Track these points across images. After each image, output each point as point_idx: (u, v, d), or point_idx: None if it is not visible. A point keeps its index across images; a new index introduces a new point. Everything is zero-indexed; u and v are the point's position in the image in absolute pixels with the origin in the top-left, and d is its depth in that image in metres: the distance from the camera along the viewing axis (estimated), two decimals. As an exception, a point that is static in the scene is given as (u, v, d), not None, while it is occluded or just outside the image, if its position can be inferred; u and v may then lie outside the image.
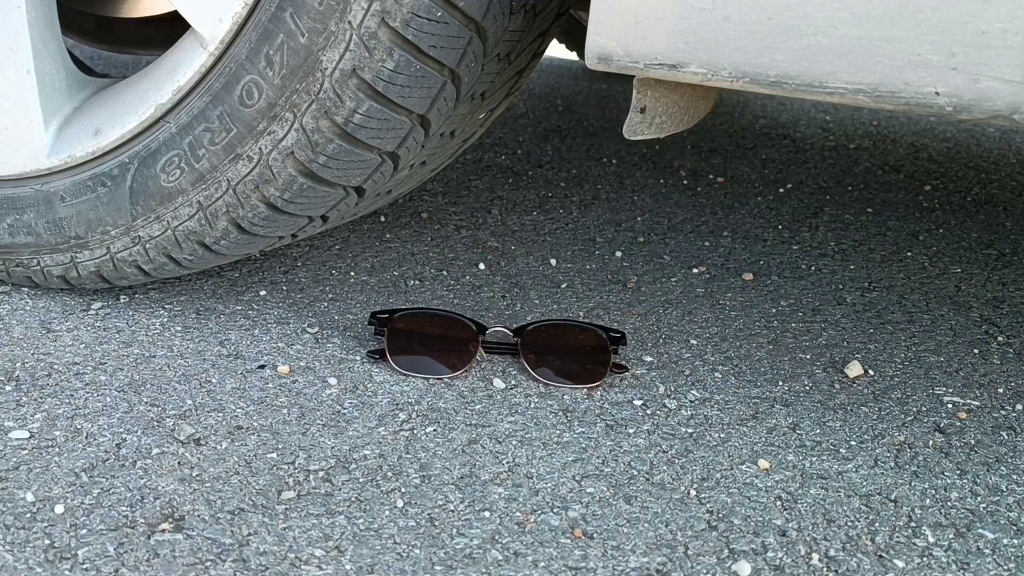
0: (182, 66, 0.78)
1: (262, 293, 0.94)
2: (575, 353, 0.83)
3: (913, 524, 0.67)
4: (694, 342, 0.91)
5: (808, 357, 0.90)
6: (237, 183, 0.78)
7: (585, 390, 0.81)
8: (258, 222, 0.80)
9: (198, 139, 0.78)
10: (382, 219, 1.16)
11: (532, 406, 0.78)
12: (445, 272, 1.03)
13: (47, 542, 0.58)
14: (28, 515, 0.60)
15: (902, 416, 0.81)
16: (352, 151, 0.76)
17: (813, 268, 1.12)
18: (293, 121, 0.74)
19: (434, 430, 0.74)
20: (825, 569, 0.62)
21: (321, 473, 0.67)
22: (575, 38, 2.13)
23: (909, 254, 1.19)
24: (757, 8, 0.60)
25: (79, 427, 0.70)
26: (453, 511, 0.64)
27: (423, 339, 0.83)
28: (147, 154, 0.80)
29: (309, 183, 0.77)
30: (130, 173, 0.81)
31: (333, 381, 0.79)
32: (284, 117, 0.74)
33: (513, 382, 0.81)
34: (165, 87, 0.78)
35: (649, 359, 0.87)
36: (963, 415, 0.82)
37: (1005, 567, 0.63)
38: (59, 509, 0.61)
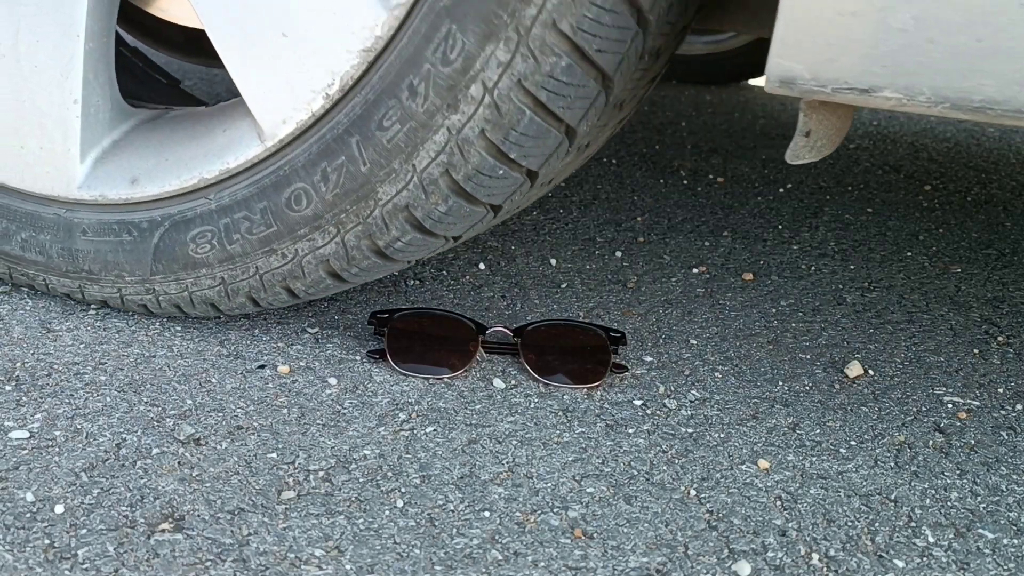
0: (234, 148, 0.77)
1: (262, 293, 0.94)
2: (575, 353, 0.83)
3: (913, 524, 0.67)
4: (694, 342, 0.91)
5: (808, 357, 0.90)
6: (265, 272, 0.79)
7: (585, 390, 0.81)
8: (276, 303, 0.82)
9: (235, 224, 0.77)
10: (382, 219, 1.16)
11: (532, 406, 0.78)
12: (445, 272, 1.03)
13: (47, 542, 0.58)
14: (28, 515, 0.60)
15: (902, 416, 0.81)
16: (385, 265, 0.78)
17: (813, 268, 1.12)
18: (336, 235, 0.75)
19: (434, 430, 0.74)
20: (825, 569, 0.62)
21: (321, 473, 0.67)
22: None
23: (909, 254, 1.19)
24: (967, 29, 0.56)
25: (79, 427, 0.70)
26: (453, 511, 0.64)
27: (423, 339, 0.83)
28: (180, 219, 0.79)
29: (335, 283, 0.79)
30: (159, 232, 0.80)
31: (333, 381, 0.79)
32: (328, 230, 0.75)
33: (513, 382, 0.81)
34: (213, 163, 0.77)
35: (649, 359, 0.87)
36: (963, 415, 0.82)
37: (1005, 567, 0.63)
38: (59, 509, 0.61)
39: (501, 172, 0.71)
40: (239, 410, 0.74)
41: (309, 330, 0.88)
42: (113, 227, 0.81)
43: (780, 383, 0.85)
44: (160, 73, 1.13)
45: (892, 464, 0.74)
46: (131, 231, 0.81)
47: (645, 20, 0.67)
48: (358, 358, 0.83)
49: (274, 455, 0.69)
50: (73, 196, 0.82)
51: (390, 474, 0.68)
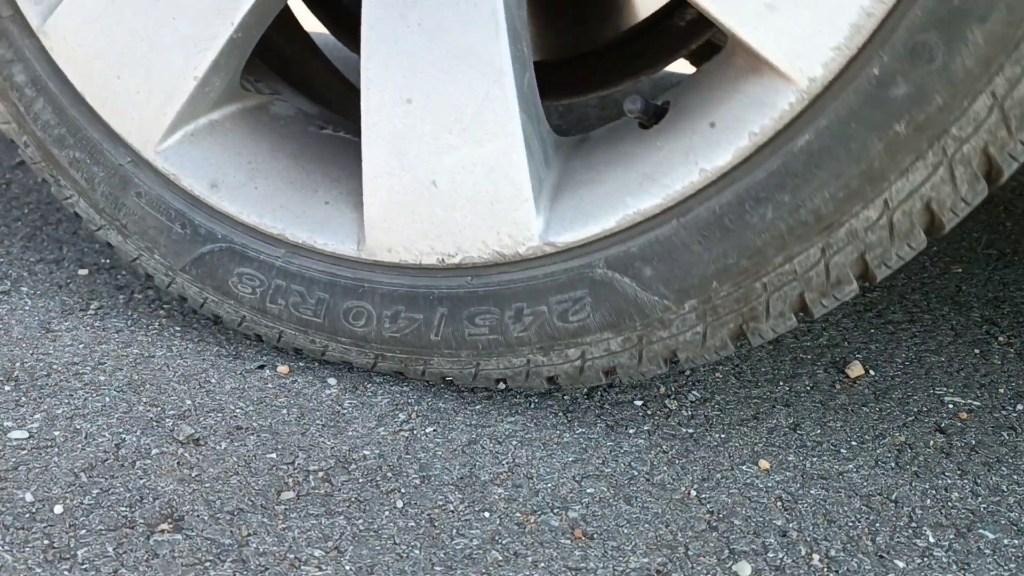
0: (328, 232, 0.75)
1: (262, 293, 0.94)
2: None
3: (914, 524, 0.67)
4: (694, 342, 0.91)
5: (809, 357, 0.90)
6: (286, 338, 0.80)
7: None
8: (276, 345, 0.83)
9: (286, 291, 0.77)
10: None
11: (532, 406, 0.78)
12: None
13: (46, 542, 0.58)
14: (27, 515, 0.60)
15: (903, 416, 0.81)
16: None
17: (813, 268, 1.12)
18: (371, 359, 0.78)
19: (434, 430, 0.73)
20: (826, 569, 0.62)
21: (321, 473, 0.67)
22: None
23: (909, 254, 1.19)
24: None
25: (78, 427, 0.70)
26: (453, 511, 0.64)
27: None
28: (239, 251, 0.77)
29: (344, 362, 0.82)
30: (212, 246, 0.78)
31: (333, 381, 0.79)
32: (367, 352, 0.78)
33: (513, 382, 0.81)
34: (303, 230, 0.75)
35: (649, 359, 0.87)
36: (964, 415, 0.81)
37: (1006, 567, 0.63)
38: (58, 509, 0.61)
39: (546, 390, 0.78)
40: (238, 410, 0.74)
41: (309, 330, 0.87)
42: (170, 211, 0.78)
43: (781, 383, 0.85)
44: None
45: (893, 464, 0.74)
46: (185, 226, 0.78)
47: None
48: (358, 358, 0.83)
49: (273, 455, 0.69)
50: (146, 155, 0.78)
51: (390, 474, 0.68)
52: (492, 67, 0.67)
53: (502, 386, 0.76)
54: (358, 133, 0.73)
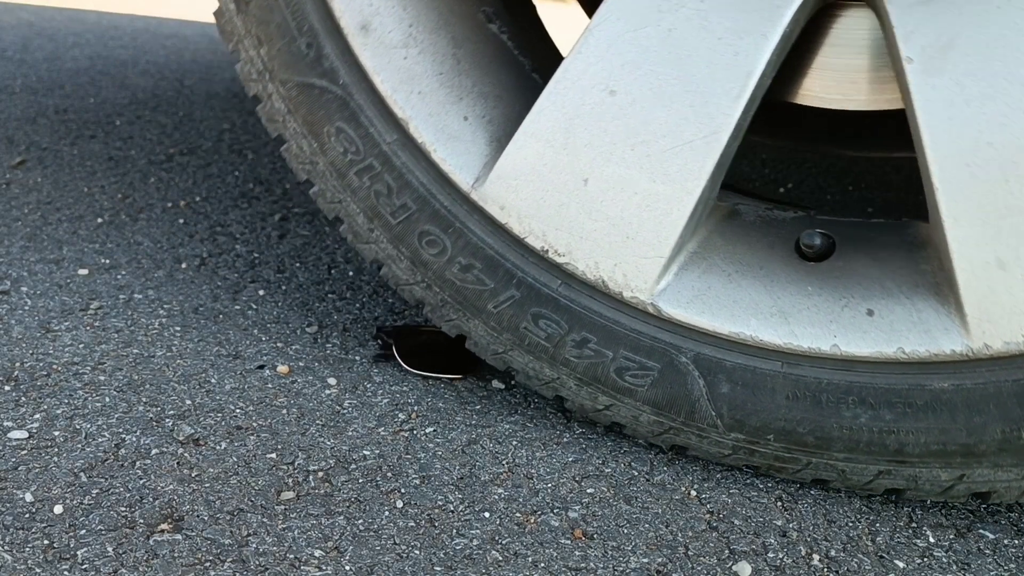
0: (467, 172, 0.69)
1: (260, 293, 0.94)
2: None
3: (914, 524, 0.67)
4: (694, 342, 0.91)
5: (808, 357, 0.90)
6: (355, 196, 0.73)
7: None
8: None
9: (375, 180, 0.70)
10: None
11: (532, 406, 0.78)
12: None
13: (46, 542, 0.58)
14: (27, 515, 0.60)
15: (902, 416, 0.81)
16: None
17: (813, 268, 1.12)
18: (422, 290, 0.74)
19: (434, 430, 0.73)
20: (826, 570, 0.62)
21: (320, 473, 0.67)
22: None
23: (909, 254, 1.19)
24: None
25: (78, 427, 0.70)
26: (453, 512, 0.64)
27: (430, 344, 0.83)
28: (352, 111, 0.69)
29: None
30: (326, 94, 0.69)
31: (332, 381, 0.79)
32: (427, 287, 0.73)
33: (512, 382, 0.81)
34: (432, 140, 0.69)
35: (649, 359, 0.87)
36: (964, 415, 0.81)
37: (1006, 567, 0.63)
38: (58, 509, 0.61)
39: None
40: (238, 410, 0.74)
41: (308, 330, 0.87)
42: (304, 23, 0.70)
43: (780, 383, 0.85)
44: None
45: (893, 464, 0.74)
46: (311, 48, 0.69)
47: None
48: (358, 358, 0.83)
49: (273, 455, 0.69)
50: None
51: (390, 474, 0.68)
52: (712, 121, 0.62)
53: (509, 381, 0.76)
54: (523, 43, 0.66)
